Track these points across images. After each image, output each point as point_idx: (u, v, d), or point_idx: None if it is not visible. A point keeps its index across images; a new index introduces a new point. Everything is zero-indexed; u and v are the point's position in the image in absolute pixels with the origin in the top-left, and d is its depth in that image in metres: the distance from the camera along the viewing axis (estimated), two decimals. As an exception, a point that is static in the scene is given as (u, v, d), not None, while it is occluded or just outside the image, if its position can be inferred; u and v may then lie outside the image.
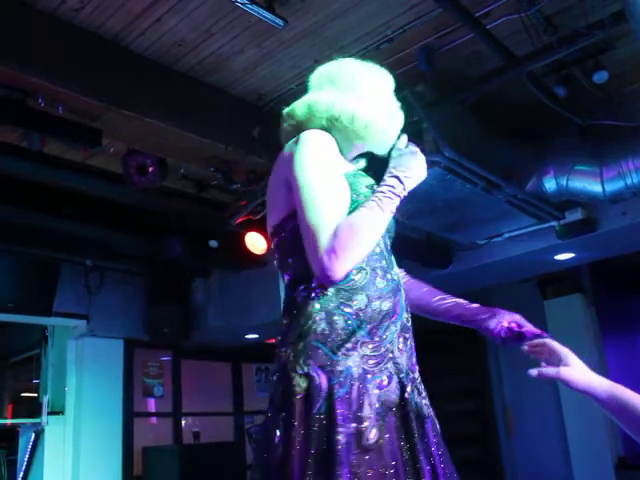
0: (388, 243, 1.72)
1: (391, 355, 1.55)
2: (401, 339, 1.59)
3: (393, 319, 1.57)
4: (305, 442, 1.41)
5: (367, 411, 1.44)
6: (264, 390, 8.81)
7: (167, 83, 4.08)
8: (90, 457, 6.63)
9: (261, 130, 4.38)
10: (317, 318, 1.52)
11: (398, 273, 1.70)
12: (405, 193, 1.61)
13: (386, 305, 1.56)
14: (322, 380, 1.45)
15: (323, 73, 1.88)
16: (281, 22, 3.43)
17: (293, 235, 1.60)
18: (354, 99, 1.74)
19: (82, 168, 4.88)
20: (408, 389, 1.54)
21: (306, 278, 1.57)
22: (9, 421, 7.24)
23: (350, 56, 3.87)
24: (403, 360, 1.58)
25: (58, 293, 6.34)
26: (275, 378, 1.57)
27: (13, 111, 3.67)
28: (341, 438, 1.39)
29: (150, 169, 4.53)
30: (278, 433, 1.46)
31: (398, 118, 1.84)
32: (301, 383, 1.47)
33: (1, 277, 5.96)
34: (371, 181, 1.72)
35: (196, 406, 8.03)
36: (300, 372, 1.48)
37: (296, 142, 1.66)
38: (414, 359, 1.64)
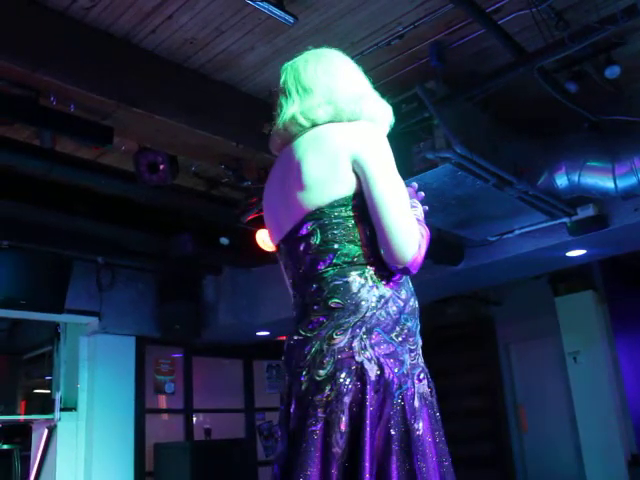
0: None
1: (419, 350, 1.66)
2: (419, 335, 1.70)
3: (417, 316, 1.70)
4: (384, 427, 1.48)
5: (416, 403, 1.54)
6: (275, 387, 8.83)
7: (178, 81, 4.09)
8: (102, 453, 6.68)
9: (271, 127, 4.38)
10: (378, 305, 1.57)
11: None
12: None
13: (416, 303, 1.70)
14: (390, 368, 1.51)
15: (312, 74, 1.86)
16: (291, 19, 3.43)
17: (354, 217, 1.63)
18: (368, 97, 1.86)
19: (94, 166, 4.90)
20: (430, 383, 1.66)
21: (360, 265, 1.61)
22: (22, 417, 7.28)
23: (360, 53, 3.88)
24: (421, 355, 1.69)
25: (70, 290, 6.37)
26: (327, 361, 1.53)
27: (25, 109, 3.69)
28: (416, 427, 1.51)
29: (161, 167, 4.54)
30: (344, 419, 1.46)
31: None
32: (371, 369, 1.49)
33: (13, 274, 5.99)
34: None
35: (207, 403, 8.06)
36: (368, 357, 1.51)
37: (361, 128, 1.68)
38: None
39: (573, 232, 4.99)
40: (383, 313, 1.57)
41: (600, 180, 4.33)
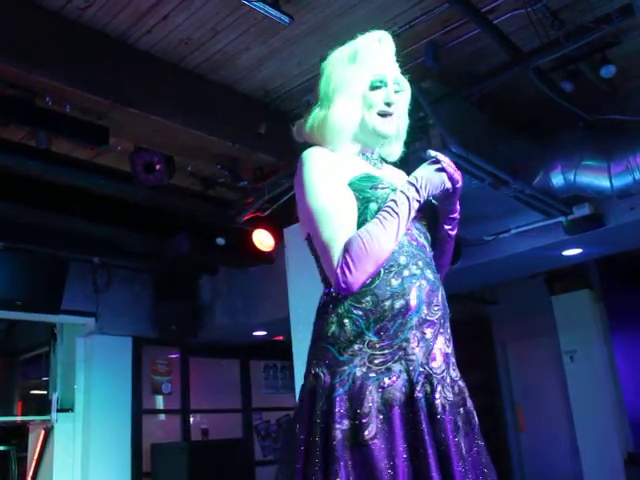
0: (418, 235, 1.71)
1: (403, 353, 1.55)
2: (418, 334, 1.57)
3: (407, 316, 1.57)
4: (308, 436, 1.50)
5: (366, 409, 1.48)
6: (272, 387, 8.83)
7: (173, 81, 4.09)
8: (99, 454, 6.67)
9: (267, 127, 4.38)
10: (330, 321, 1.60)
11: (425, 265, 1.67)
12: (419, 197, 1.64)
13: (398, 303, 1.57)
14: (326, 379, 1.54)
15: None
16: (287, 19, 3.43)
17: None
18: (320, 112, 1.79)
19: (90, 166, 4.90)
20: (418, 387, 1.53)
21: (327, 283, 1.67)
22: (19, 418, 7.28)
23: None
24: (419, 356, 1.56)
25: (66, 291, 6.36)
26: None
27: (21, 110, 3.69)
28: (337, 434, 1.46)
29: (157, 167, 4.54)
30: (298, 427, 1.56)
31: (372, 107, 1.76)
32: (311, 381, 1.57)
33: (9, 275, 5.98)
34: (381, 179, 1.71)
35: (204, 403, 8.06)
36: (312, 372, 1.58)
37: (300, 163, 1.72)
38: (435, 353, 1.60)
39: (569, 231, 5.00)
40: (334, 327, 1.59)
41: (596, 179, 4.34)
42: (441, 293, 1.66)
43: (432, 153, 1.67)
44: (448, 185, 1.67)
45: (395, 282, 1.59)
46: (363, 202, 1.64)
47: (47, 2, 3.45)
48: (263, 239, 5.79)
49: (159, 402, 7.74)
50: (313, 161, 1.68)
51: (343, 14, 3.67)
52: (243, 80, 4.31)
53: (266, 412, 8.61)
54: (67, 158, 4.72)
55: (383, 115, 1.75)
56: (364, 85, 1.75)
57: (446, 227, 1.76)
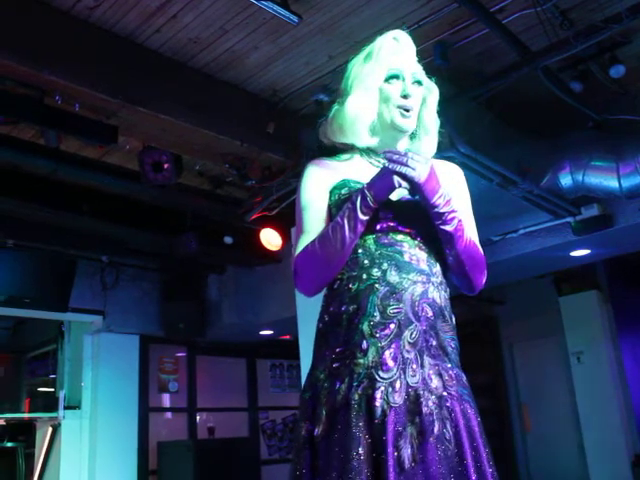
0: (394, 236, 1.65)
1: (352, 357, 1.57)
2: (370, 339, 1.55)
3: (356, 321, 1.57)
4: (296, 435, 1.64)
5: (318, 411, 1.58)
6: (279, 386, 8.84)
7: (182, 80, 4.10)
8: (106, 451, 6.70)
9: (276, 126, 4.39)
10: (318, 322, 1.70)
11: (390, 267, 1.60)
12: (369, 203, 1.59)
13: (352, 307, 1.59)
14: (306, 381, 1.67)
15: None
16: (295, 18, 3.43)
17: None
18: (346, 100, 1.77)
19: (98, 165, 4.92)
20: (359, 390, 1.52)
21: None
22: (26, 415, 7.30)
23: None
24: (368, 360, 1.54)
25: (74, 289, 6.39)
26: None
27: (30, 109, 3.70)
28: (303, 433, 1.59)
29: (165, 166, 4.55)
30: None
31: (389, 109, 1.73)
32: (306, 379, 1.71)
33: (18, 273, 6.02)
34: (354, 185, 1.70)
35: (211, 401, 8.08)
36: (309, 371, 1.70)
37: None
38: (389, 357, 1.55)
39: (577, 232, 4.98)
40: (317, 332, 1.70)
41: (604, 179, 4.32)
42: (411, 295, 1.58)
43: (384, 151, 1.63)
44: (404, 184, 1.59)
45: (352, 287, 1.60)
46: (337, 209, 1.68)
47: (57, 1, 3.46)
48: (271, 238, 5.79)
49: (166, 400, 7.76)
50: (304, 174, 1.79)
51: (352, 14, 3.67)
52: (251, 79, 4.32)
53: (272, 411, 8.63)
54: (76, 157, 4.74)
55: (402, 109, 1.71)
56: (379, 78, 1.72)
57: (436, 222, 1.64)
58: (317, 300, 1.74)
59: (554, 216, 4.96)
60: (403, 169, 1.57)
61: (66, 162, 4.56)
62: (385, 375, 1.53)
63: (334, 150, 1.85)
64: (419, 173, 1.57)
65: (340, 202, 1.68)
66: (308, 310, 4.73)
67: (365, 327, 1.56)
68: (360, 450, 1.46)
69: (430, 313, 1.59)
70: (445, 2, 3.57)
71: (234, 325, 7.15)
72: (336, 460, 1.48)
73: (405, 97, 1.71)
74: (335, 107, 1.81)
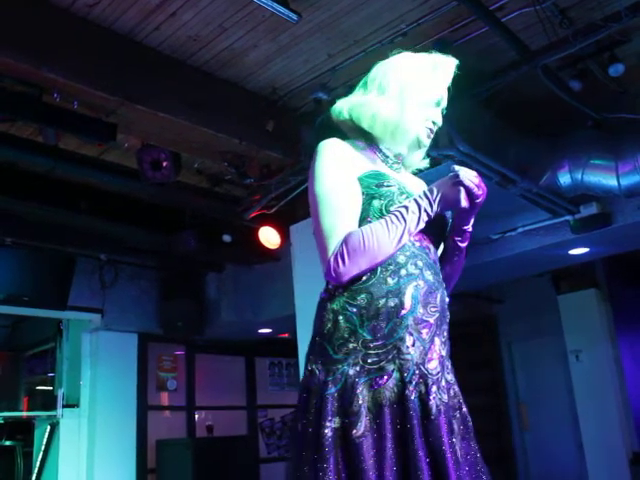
0: (422, 237, 1.70)
1: (397, 352, 1.55)
2: (414, 334, 1.57)
3: (401, 315, 1.57)
4: (302, 433, 1.54)
5: (355, 407, 1.49)
6: (277, 384, 8.84)
7: (181, 78, 4.10)
8: (104, 449, 6.69)
9: (275, 124, 4.39)
10: (325, 319, 1.62)
11: (425, 266, 1.66)
12: (431, 211, 1.64)
13: (392, 302, 1.58)
14: (320, 376, 1.57)
15: (372, 72, 1.93)
16: (295, 16, 3.43)
17: None
18: (381, 101, 1.79)
19: (97, 163, 4.91)
20: (411, 387, 1.52)
21: (326, 280, 1.68)
22: (25, 414, 7.31)
23: (363, 51, 3.88)
24: (414, 356, 1.56)
25: (73, 287, 6.38)
26: None
27: (29, 106, 3.70)
28: (327, 432, 1.48)
29: (164, 164, 4.54)
30: (296, 422, 1.60)
31: (431, 114, 1.83)
32: (307, 377, 1.60)
33: (17, 271, 6.01)
34: (388, 177, 1.71)
35: (209, 400, 8.07)
36: (309, 368, 1.61)
37: (315, 152, 1.73)
38: (432, 354, 1.59)
39: (576, 230, 4.99)
40: (329, 325, 1.60)
41: (603, 178, 4.32)
42: (440, 296, 1.65)
43: (455, 168, 1.66)
44: (464, 204, 1.64)
45: (391, 281, 1.60)
46: (367, 198, 1.67)
47: (56, -1, 3.46)
48: (269, 237, 5.78)
49: (164, 398, 7.76)
50: (328, 152, 1.71)
51: (351, 12, 3.66)
52: (251, 77, 4.31)
53: (271, 409, 8.62)
54: (75, 154, 4.73)
55: (429, 129, 1.83)
56: (432, 101, 1.83)
57: (456, 238, 1.76)
58: (316, 298, 1.73)
59: (553, 214, 4.97)
60: (474, 188, 1.63)
61: (64, 160, 4.55)
62: (433, 372, 1.58)
63: (338, 131, 1.86)
64: (480, 194, 1.65)
65: (376, 194, 1.67)
66: (307, 308, 4.73)
67: (411, 322, 1.58)
68: (419, 452, 1.45)
69: (449, 316, 1.69)
70: (444, 0, 3.57)
71: (233, 323, 7.15)
72: (389, 459, 1.45)
73: (434, 123, 1.84)
74: (371, 97, 1.81)
